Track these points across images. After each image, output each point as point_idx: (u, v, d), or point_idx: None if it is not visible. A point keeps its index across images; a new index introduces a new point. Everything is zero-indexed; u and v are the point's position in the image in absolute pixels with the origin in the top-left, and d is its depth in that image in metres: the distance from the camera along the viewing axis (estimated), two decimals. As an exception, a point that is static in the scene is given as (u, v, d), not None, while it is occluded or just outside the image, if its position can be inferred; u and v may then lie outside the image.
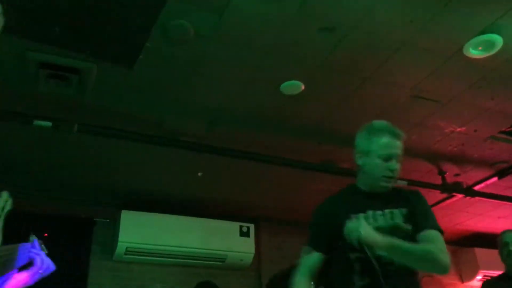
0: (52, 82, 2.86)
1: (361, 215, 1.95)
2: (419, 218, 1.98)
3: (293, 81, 3.15)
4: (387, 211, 1.99)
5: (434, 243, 1.90)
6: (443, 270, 1.89)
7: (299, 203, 4.99)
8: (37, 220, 4.42)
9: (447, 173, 4.34)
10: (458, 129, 3.76)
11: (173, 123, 3.57)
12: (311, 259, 2.06)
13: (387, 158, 2.00)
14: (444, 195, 4.58)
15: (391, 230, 1.92)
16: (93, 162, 4.05)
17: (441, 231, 1.97)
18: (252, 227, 4.93)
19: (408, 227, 1.96)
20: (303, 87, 3.19)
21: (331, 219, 2.02)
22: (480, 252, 5.82)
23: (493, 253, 5.92)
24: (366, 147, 2.05)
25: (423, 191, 4.49)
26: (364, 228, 1.80)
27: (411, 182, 4.16)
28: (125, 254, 4.47)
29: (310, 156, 3.97)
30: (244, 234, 4.84)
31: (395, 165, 2.01)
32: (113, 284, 4.50)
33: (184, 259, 4.69)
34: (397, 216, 1.98)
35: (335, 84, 3.22)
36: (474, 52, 2.87)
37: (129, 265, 4.61)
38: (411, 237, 1.93)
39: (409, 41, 2.84)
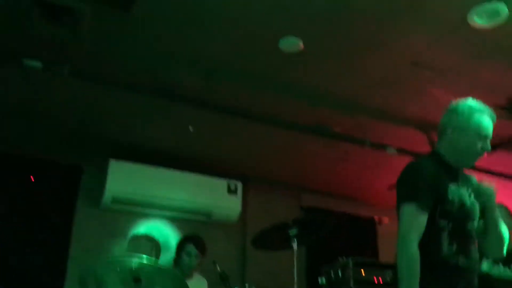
0: (45, 21, 2.77)
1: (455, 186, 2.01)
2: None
3: (292, 38, 3.07)
4: (470, 189, 2.05)
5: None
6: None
7: (289, 165, 5.02)
8: (23, 164, 4.40)
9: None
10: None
11: (168, 74, 3.50)
12: (422, 223, 1.88)
13: (484, 138, 2.07)
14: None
15: (474, 208, 2.03)
16: (83, 108, 3.98)
17: None
18: (240, 185, 4.94)
19: (479, 207, 2.06)
20: (302, 45, 3.12)
21: (438, 181, 1.98)
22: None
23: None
24: (464, 123, 2.08)
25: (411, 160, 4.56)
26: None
27: (401, 150, 4.18)
28: (112, 203, 4.47)
29: (304, 118, 3.94)
30: (231, 191, 4.86)
31: (489, 145, 2.09)
32: (98, 232, 4.52)
33: (170, 211, 4.72)
34: (472, 195, 2.05)
35: (336, 47, 3.16)
36: (478, 21, 2.82)
37: (115, 214, 4.63)
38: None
39: (413, 7, 2.77)
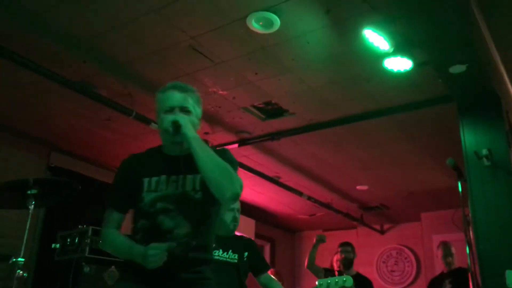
0: None
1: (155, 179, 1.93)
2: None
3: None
4: (181, 176, 1.92)
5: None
6: (231, 192, 1.80)
7: (43, 119, 4.59)
8: None
9: (199, 129, 4.59)
10: (220, 92, 4.00)
11: None
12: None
13: (169, 110, 1.93)
14: (189, 149, 4.85)
15: (180, 198, 1.90)
16: None
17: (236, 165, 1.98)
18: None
19: (198, 195, 1.91)
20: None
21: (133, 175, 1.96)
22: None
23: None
24: (156, 106, 2.00)
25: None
26: (185, 116, 1.89)
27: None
28: None
29: (70, 71, 3.65)
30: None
31: (179, 114, 1.90)
32: None
33: None
34: (189, 183, 1.92)
35: (119, 1, 2.98)
36: (255, 25, 3.08)
37: None
38: (201, 205, 1.90)
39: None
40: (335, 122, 4.39)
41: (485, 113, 3.58)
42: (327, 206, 6.69)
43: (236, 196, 1.83)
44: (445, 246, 4.75)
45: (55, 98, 4.12)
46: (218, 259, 3.21)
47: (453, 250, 4.68)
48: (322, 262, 5.03)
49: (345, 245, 5.07)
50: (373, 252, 7.94)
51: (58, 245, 4.17)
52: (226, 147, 4.88)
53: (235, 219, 3.32)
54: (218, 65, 3.60)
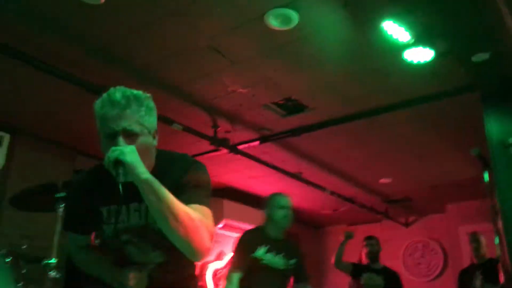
0: None
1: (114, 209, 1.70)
2: (185, 193, 1.59)
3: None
4: (143, 204, 1.64)
5: (204, 216, 1.57)
6: (197, 251, 1.52)
7: (67, 123, 4.68)
8: None
9: (220, 128, 4.62)
10: (240, 90, 4.02)
11: None
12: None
13: (109, 136, 1.59)
14: (212, 147, 4.88)
15: (144, 230, 1.69)
16: None
17: (209, 208, 1.64)
18: (7, 137, 4.42)
19: None
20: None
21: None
22: (227, 204, 6.50)
23: (238, 206, 6.68)
24: (96, 122, 1.65)
25: (194, 139, 4.74)
26: (130, 149, 1.51)
27: (186, 128, 4.31)
28: None
29: (92, 76, 3.72)
30: (-5, 143, 4.31)
31: (120, 142, 1.55)
32: None
33: None
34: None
35: (138, 6, 3.03)
36: (273, 22, 3.08)
37: None
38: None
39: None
40: (355, 116, 4.37)
41: (509, 101, 3.52)
42: (351, 200, 6.66)
43: (203, 253, 1.53)
44: (475, 237, 4.69)
45: (78, 103, 4.19)
46: (267, 264, 3.22)
47: (484, 241, 4.62)
48: (348, 257, 5.02)
49: (370, 238, 5.07)
50: (398, 245, 7.88)
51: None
52: (248, 144, 4.91)
53: (285, 217, 3.31)
54: (237, 64, 3.62)
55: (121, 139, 1.55)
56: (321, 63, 3.61)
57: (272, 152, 5.27)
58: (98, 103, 1.62)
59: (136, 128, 1.58)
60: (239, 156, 5.06)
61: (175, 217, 1.46)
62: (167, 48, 3.44)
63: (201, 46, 3.39)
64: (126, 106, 1.58)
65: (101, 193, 1.70)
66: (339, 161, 5.60)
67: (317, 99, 4.16)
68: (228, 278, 3.18)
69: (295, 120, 4.54)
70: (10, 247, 3.12)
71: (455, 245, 7.07)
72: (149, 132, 1.65)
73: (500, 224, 3.28)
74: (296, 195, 6.78)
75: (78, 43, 3.39)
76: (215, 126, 4.59)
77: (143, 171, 1.49)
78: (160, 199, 1.47)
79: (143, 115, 1.62)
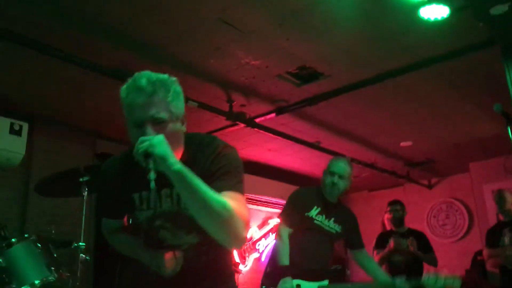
0: None
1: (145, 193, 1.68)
2: (216, 180, 1.57)
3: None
4: (174, 190, 1.63)
5: (238, 203, 1.52)
6: (232, 241, 1.53)
7: (85, 108, 4.72)
8: None
9: (235, 102, 4.60)
10: (253, 62, 3.96)
11: None
12: None
13: (137, 124, 1.55)
14: (228, 123, 4.87)
15: (176, 216, 1.67)
16: None
17: (243, 194, 1.61)
18: (26, 126, 4.46)
19: None
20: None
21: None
22: (247, 178, 6.49)
23: (258, 179, 6.70)
24: (123, 109, 1.60)
25: (210, 116, 4.73)
26: (158, 139, 1.46)
27: (201, 105, 4.30)
28: None
29: (106, 59, 3.71)
30: (15, 132, 4.36)
31: (149, 132, 1.51)
32: None
33: None
34: None
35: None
36: (283, -11, 3.01)
37: None
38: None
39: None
40: (372, 80, 4.28)
41: (531, 52, 3.41)
42: (371, 166, 6.61)
43: (238, 241, 1.52)
44: (500, 194, 4.63)
45: (94, 87, 4.21)
46: (320, 224, 3.21)
47: (509, 197, 4.56)
48: (371, 223, 5.03)
49: (394, 203, 5.03)
50: (422, 208, 7.84)
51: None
52: (265, 117, 4.88)
53: (332, 184, 3.26)
54: (248, 35, 3.55)
55: (149, 128, 1.51)
56: (334, 28, 3.52)
57: (289, 123, 5.24)
58: (123, 90, 1.57)
59: (164, 115, 1.54)
60: (256, 129, 5.04)
61: (208, 208, 1.43)
62: (178, 25, 3.40)
63: (211, 20, 3.34)
64: (153, 92, 1.53)
65: (132, 180, 1.67)
66: (357, 127, 5.54)
67: (332, 65, 4.09)
68: (279, 233, 3.16)
69: (311, 89, 4.48)
70: (39, 233, 3.19)
71: (480, 204, 7.01)
72: (178, 118, 1.60)
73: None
74: (316, 165, 6.76)
75: (90, 26, 3.36)
76: (230, 100, 4.57)
77: (174, 162, 1.43)
78: (192, 190, 1.43)
79: (171, 100, 1.57)
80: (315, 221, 3.19)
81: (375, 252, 4.91)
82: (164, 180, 1.48)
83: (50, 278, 2.81)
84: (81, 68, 3.58)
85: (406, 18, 3.38)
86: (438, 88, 4.58)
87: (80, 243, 3.27)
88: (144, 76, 1.55)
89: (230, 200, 1.49)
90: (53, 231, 3.85)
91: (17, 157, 4.42)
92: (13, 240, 2.86)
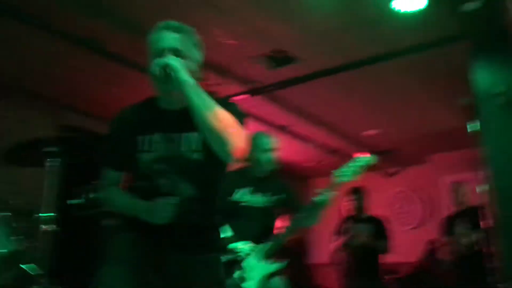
0: None
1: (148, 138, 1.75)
2: None
3: None
4: (176, 135, 1.74)
5: (238, 125, 1.67)
6: (233, 148, 1.61)
7: (54, 79, 4.62)
8: None
9: (209, 81, 4.56)
10: (229, 42, 3.93)
11: None
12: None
13: (158, 54, 1.71)
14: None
15: (176, 160, 1.73)
16: None
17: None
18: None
19: (197, 156, 1.73)
20: None
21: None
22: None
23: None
24: (148, 51, 1.76)
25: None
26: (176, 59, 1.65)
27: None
28: None
29: (79, 29, 3.60)
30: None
31: (168, 57, 1.66)
32: None
33: None
34: (185, 142, 1.74)
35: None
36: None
37: None
38: (201, 168, 1.73)
39: None
40: (345, 67, 4.34)
41: (499, 51, 3.53)
42: (336, 152, 6.72)
43: (238, 151, 1.63)
44: (456, 187, 4.83)
45: (66, 57, 4.09)
46: (246, 204, 3.09)
47: (463, 189, 4.76)
48: (333, 208, 5.09)
49: (355, 192, 5.12)
50: (381, 196, 8.04)
51: (76, 201, 4.23)
52: (236, 97, 4.87)
53: (269, 160, 3.11)
54: (225, 14, 3.53)
55: (170, 55, 1.68)
56: (310, 12, 3.54)
57: (261, 105, 5.25)
58: (153, 29, 1.76)
59: (185, 50, 1.73)
60: (227, 110, 5.02)
61: (215, 114, 1.59)
62: (156, 2, 3.33)
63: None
64: (179, 30, 1.75)
65: (139, 123, 1.78)
66: (326, 113, 5.62)
67: (306, 50, 4.12)
68: None
69: (284, 72, 4.50)
70: (1, 202, 3.10)
71: (438, 195, 7.27)
72: (194, 61, 1.79)
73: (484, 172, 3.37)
74: (283, 149, 6.82)
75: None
76: (204, 80, 4.51)
77: (188, 76, 1.62)
78: (201, 98, 1.61)
79: (193, 44, 1.79)
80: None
81: (334, 238, 5.03)
82: (168, 125, 1.72)
83: (9, 249, 2.76)
84: (50, 35, 3.47)
85: (380, 8, 3.45)
86: (408, 79, 4.69)
87: (42, 214, 3.21)
88: (173, 22, 1.77)
89: (233, 118, 1.65)
90: (10, 202, 3.75)
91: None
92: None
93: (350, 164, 2.91)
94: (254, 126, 5.73)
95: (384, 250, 4.90)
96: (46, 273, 3.13)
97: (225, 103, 1.74)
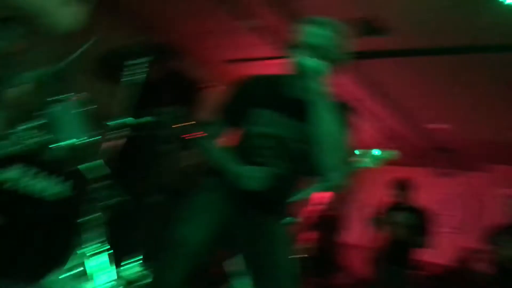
0: None
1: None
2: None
3: None
4: (292, 121, 1.91)
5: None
6: (337, 182, 1.85)
7: None
8: None
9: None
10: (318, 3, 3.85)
11: None
12: None
13: (302, 47, 1.85)
14: (274, 54, 4.78)
15: (281, 143, 1.91)
16: None
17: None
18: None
19: (300, 146, 1.91)
20: None
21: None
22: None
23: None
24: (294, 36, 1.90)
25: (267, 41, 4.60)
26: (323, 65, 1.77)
27: (260, 28, 4.22)
28: None
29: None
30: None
31: (310, 58, 1.80)
32: None
33: None
34: (295, 131, 1.91)
35: None
36: None
37: None
38: (299, 157, 1.92)
39: None
40: (433, 51, 4.19)
41: None
42: (399, 139, 6.59)
43: (335, 188, 1.88)
44: (510, 201, 4.69)
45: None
46: None
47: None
48: (374, 196, 5.05)
49: (401, 181, 5.05)
50: (427, 193, 7.86)
51: (145, 120, 4.35)
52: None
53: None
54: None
55: (316, 56, 1.76)
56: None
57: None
58: (301, 20, 1.86)
59: (328, 50, 1.80)
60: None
61: (332, 144, 1.74)
62: None
63: None
64: (329, 27, 1.84)
65: (263, 97, 1.92)
66: (401, 96, 5.47)
67: (404, 24, 3.98)
68: None
69: (372, 43, 4.40)
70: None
71: (485, 206, 7.07)
72: (336, 59, 1.84)
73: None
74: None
75: None
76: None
77: (320, 85, 1.74)
78: (324, 119, 1.72)
79: (339, 46, 1.86)
80: None
81: (370, 222, 5.01)
82: (288, 109, 1.85)
83: (89, 140, 2.96)
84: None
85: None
86: (497, 80, 4.48)
87: (125, 119, 3.38)
88: (320, 18, 1.87)
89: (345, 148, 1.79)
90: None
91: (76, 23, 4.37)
92: (59, 97, 2.96)
93: (373, 154, 2.94)
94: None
95: (421, 245, 4.84)
96: (111, 173, 3.33)
97: (341, 107, 1.85)
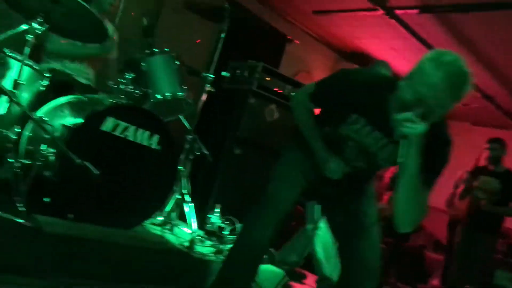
0: None
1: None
2: (431, 173, 1.75)
3: None
4: (385, 139, 1.88)
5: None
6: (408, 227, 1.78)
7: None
8: None
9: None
10: None
11: None
12: None
13: (412, 102, 1.69)
14: (365, 5, 4.61)
15: (369, 156, 1.94)
16: None
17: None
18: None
19: (386, 165, 1.98)
20: None
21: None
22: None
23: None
24: (413, 71, 1.71)
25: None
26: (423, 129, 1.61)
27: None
28: None
29: None
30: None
31: (417, 121, 1.65)
32: None
33: None
34: (387, 150, 1.89)
35: None
36: None
37: None
38: (381, 170, 2.08)
39: None
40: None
41: None
42: (489, 98, 6.20)
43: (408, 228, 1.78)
44: None
45: None
46: None
47: None
48: (466, 157, 4.82)
49: (494, 141, 4.77)
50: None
51: (228, 74, 4.40)
52: (405, 11, 4.59)
53: None
54: None
55: (420, 118, 1.56)
56: None
57: (428, 25, 4.89)
58: (433, 62, 1.56)
59: (440, 115, 1.61)
60: (391, 21, 4.78)
61: (412, 213, 1.73)
62: None
63: None
64: (455, 89, 1.56)
65: (365, 104, 1.81)
66: (496, 54, 5.08)
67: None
68: None
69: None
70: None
71: None
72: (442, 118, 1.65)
73: None
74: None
75: None
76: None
77: (415, 159, 1.64)
78: (410, 191, 1.68)
79: (455, 102, 1.59)
80: None
81: (458, 184, 4.82)
82: (385, 126, 1.74)
83: (179, 94, 3.04)
84: None
85: None
86: None
87: (209, 74, 3.45)
88: (457, 64, 1.56)
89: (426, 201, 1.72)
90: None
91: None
92: (155, 50, 3.05)
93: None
94: (409, 46, 5.46)
95: (509, 214, 4.61)
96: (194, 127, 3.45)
97: (449, 146, 1.76)
